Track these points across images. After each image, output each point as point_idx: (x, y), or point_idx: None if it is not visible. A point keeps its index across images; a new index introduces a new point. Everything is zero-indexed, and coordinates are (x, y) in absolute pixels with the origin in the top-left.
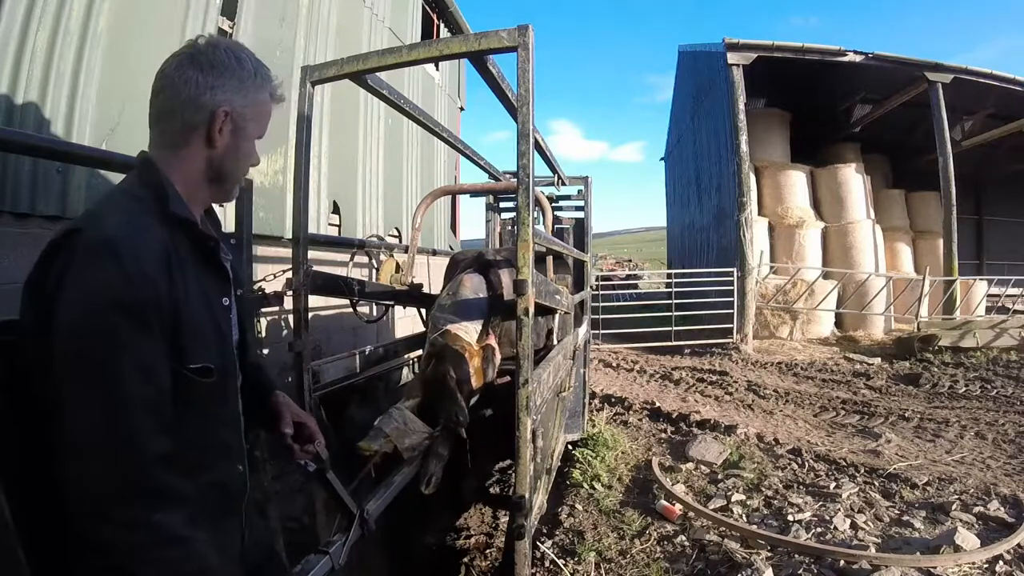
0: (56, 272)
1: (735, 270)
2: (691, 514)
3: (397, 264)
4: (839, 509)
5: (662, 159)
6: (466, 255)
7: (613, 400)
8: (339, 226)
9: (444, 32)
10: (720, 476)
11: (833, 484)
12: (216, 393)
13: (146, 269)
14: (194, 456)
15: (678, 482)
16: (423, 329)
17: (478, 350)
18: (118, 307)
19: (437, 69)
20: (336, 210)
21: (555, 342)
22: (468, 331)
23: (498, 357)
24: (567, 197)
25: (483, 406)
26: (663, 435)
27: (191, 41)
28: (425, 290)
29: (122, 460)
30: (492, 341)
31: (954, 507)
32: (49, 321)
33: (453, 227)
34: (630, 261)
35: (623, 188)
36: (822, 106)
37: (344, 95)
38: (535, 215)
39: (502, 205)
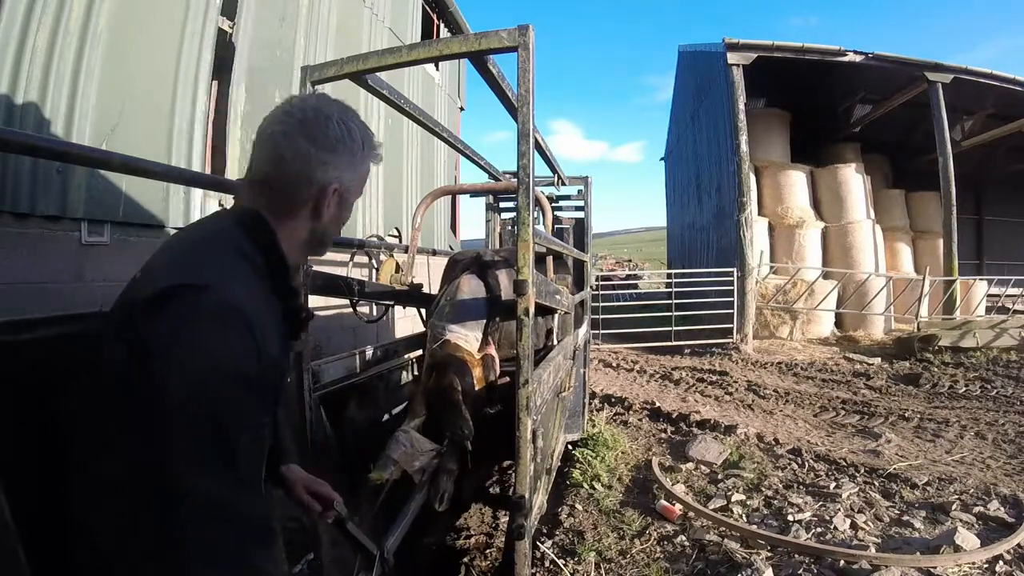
0: (170, 327)
1: (735, 270)
2: (691, 514)
3: (397, 264)
4: (839, 509)
5: (662, 159)
6: (465, 255)
7: (613, 400)
8: None
9: (444, 32)
10: (720, 476)
11: (833, 484)
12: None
13: (270, 348)
14: None
15: (678, 482)
16: (423, 329)
17: (479, 360)
18: (244, 382)
19: (437, 69)
20: None
21: (555, 342)
22: (468, 340)
23: (498, 365)
24: (567, 197)
25: (483, 406)
26: (663, 435)
27: (297, 102)
28: (425, 290)
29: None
30: (491, 350)
31: (954, 507)
32: (152, 377)
33: (453, 227)
34: (630, 261)
35: (623, 188)
36: (822, 106)
37: (344, 95)
38: (535, 215)
39: (502, 205)
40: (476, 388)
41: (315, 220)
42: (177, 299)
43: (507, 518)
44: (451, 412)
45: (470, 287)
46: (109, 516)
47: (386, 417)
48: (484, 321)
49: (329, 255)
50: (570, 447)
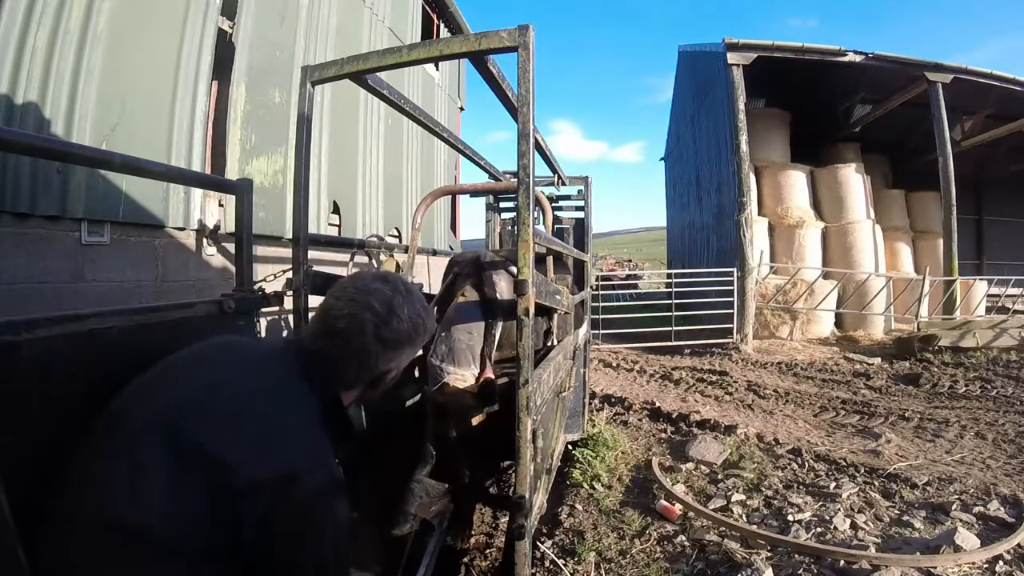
0: (304, 501)
1: (735, 270)
2: (691, 514)
3: (397, 264)
4: (839, 509)
5: (662, 159)
6: (464, 256)
7: (613, 400)
8: (339, 226)
9: (444, 32)
10: (720, 476)
11: (833, 484)
12: None
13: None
14: None
15: (678, 482)
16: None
17: (476, 393)
18: (344, 543)
19: (437, 69)
20: (336, 210)
21: (555, 342)
22: (466, 379)
23: (495, 383)
24: (567, 197)
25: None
26: (663, 435)
27: (372, 300)
28: (425, 290)
29: None
30: (489, 373)
31: (954, 507)
32: (292, 540)
33: (453, 227)
34: (630, 261)
35: (623, 188)
36: (822, 106)
37: (344, 95)
38: (535, 215)
39: (502, 205)
40: (476, 421)
41: (371, 390)
42: (296, 485)
43: (507, 518)
44: (457, 457)
45: (465, 310)
46: None
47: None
48: (480, 350)
49: (329, 255)
50: (570, 447)
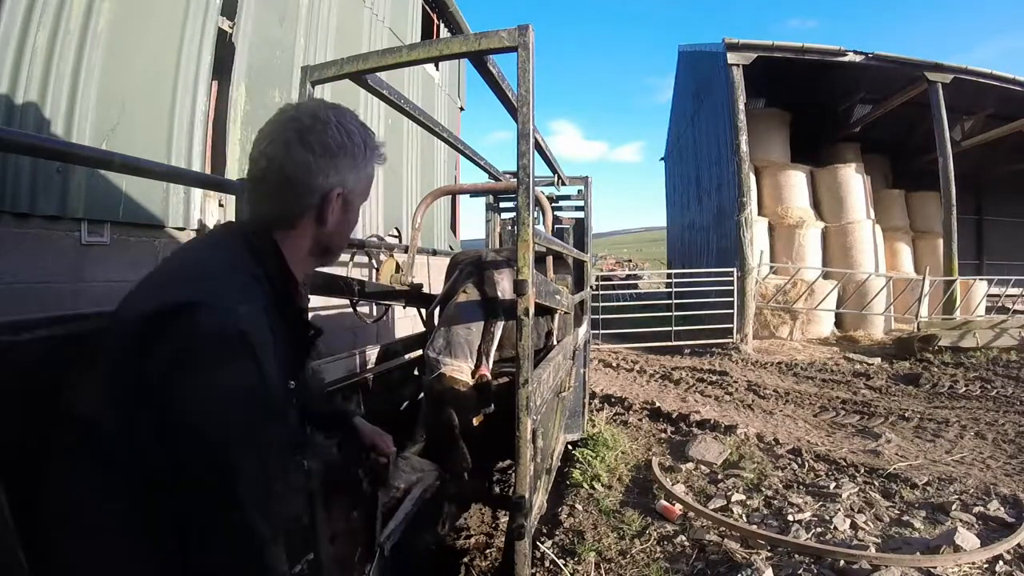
0: (172, 352)
1: (735, 270)
2: (691, 514)
3: (397, 264)
4: (839, 509)
5: (662, 159)
6: (466, 255)
7: (613, 400)
8: None
9: (444, 32)
10: (720, 476)
11: (833, 484)
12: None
13: (274, 371)
14: None
15: (678, 482)
16: (423, 329)
17: (473, 388)
18: (258, 412)
19: (437, 69)
20: None
21: (555, 342)
22: (463, 371)
23: (491, 382)
24: (567, 197)
25: (483, 407)
26: (663, 435)
27: (291, 111)
28: (425, 290)
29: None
30: (485, 370)
31: (954, 507)
32: (161, 408)
33: (453, 227)
34: (630, 261)
35: (623, 188)
36: (822, 106)
37: (344, 95)
38: (535, 215)
39: (502, 205)
40: (473, 418)
41: (320, 227)
42: (177, 320)
43: (507, 518)
44: (450, 447)
45: (465, 307)
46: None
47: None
48: (478, 345)
49: None
50: (570, 447)
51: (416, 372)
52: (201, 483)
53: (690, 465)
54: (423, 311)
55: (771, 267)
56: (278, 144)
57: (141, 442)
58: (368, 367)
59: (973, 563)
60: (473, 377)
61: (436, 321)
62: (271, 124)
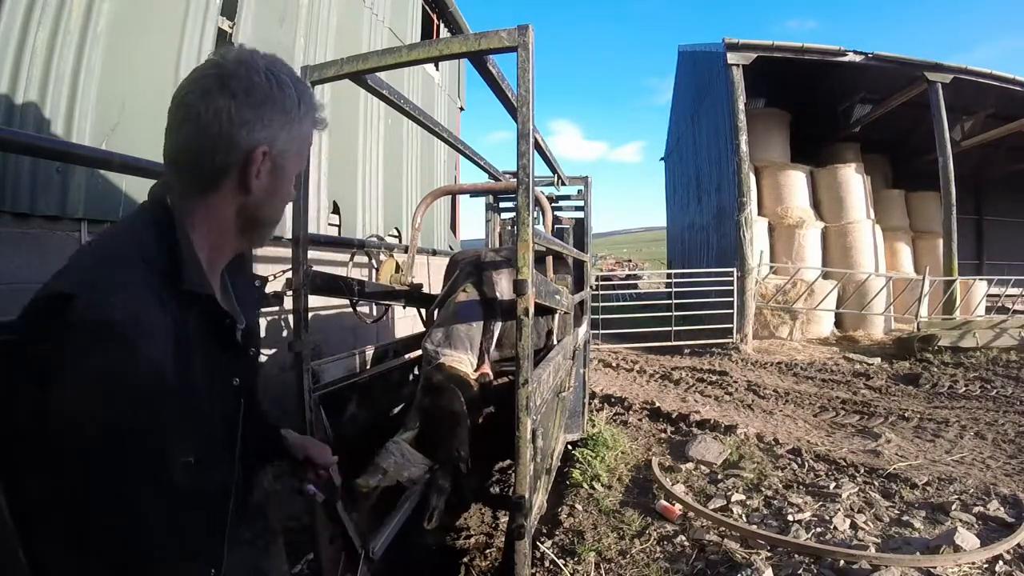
0: (51, 347)
1: (735, 270)
2: (691, 514)
3: (397, 264)
4: (839, 509)
5: (662, 159)
6: (465, 255)
7: (613, 400)
8: (339, 226)
9: (444, 32)
10: (720, 476)
11: (833, 484)
12: (198, 492)
13: (154, 357)
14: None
15: (678, 482)
16: (423, 329)
17: (474, 381)
18: (126, 405)
19: (437, 69)
20: (336, 210)
21: (555, 342)
22: (463, 362)
23: (492, 381)
24: (567, 197)
25: (483, 406)
26: (663, 435)
27: (217, 56)
28: (425, 290)
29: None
30: (487, 368)
31: (954, 507)
32: (45, 402)
33: (453, 227)
34: (630, 261)
35: (623, 188)
36: (822, 106)
37: (344, 95)
38: (535, 215)
39: (502, 205)
40: (471, 410)
41: (243, 193)
42: (49, 311)
43: (507, 518)
44: (446, 434)
45: (465, 304)
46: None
47: (391, 412)
48: (479, 340)
49: (329, 255)
50: (570, 447)
51: (416, 371)
52: (73, 474)
53: (690, 465)
54: (423, 311)
55: (771, 267)
56: (195, 91)
57: (31, 433)
58: (367, 367)
59: (973, 563)
60: (475, 373)
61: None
62: (194, 71)
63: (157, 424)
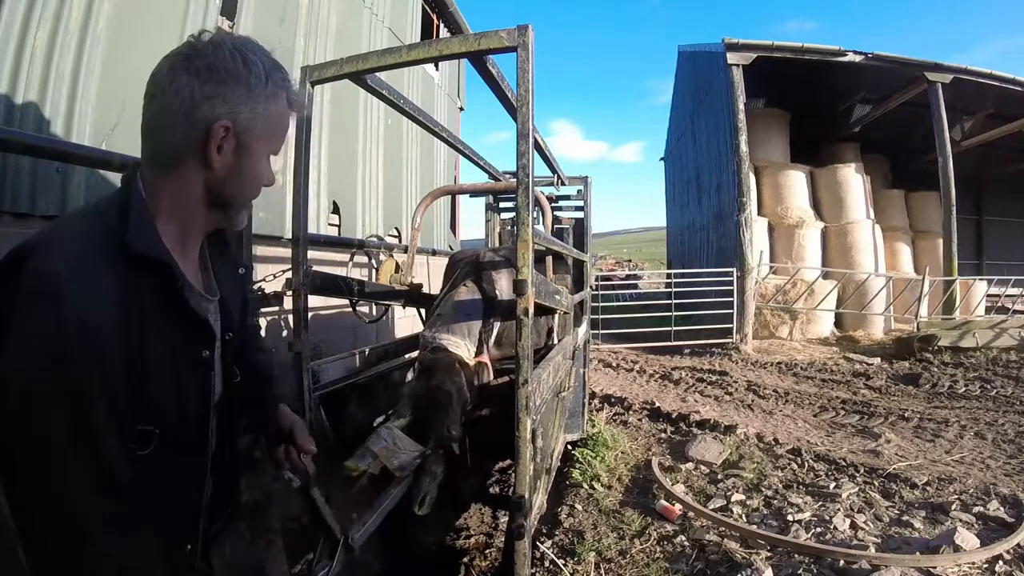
0: (3, 302)
1: (735, 270)
2: (691, 514)
3: (397, 264)
4: (839, 509)
5: (662, 159)
6: (465, 254)
7: (613, 400)
8: (339, 226)
9: (444, 32)
10: (720, 476)
11: (833, 484)
12: (161, 463)
13: (95, 310)
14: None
15: (678, 482)
16: (422, 329)
17: (472, 365)
18: (54, 362)
19: (437, 69)
20: (336, 210)
21: (555, 342)
22: (459, 347)
23: (490, 375)
24: (567, 197)
25: (483, 406)
26: (663, 435)
27: (191, 38)
28: (425, 290)
29: (67, 540)
30: (486, 359)
31: (954, 507)
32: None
33: (453, 227)
34: (630, 261)
35: (623, 188)
36: (822, 106)
37: (344, 95)
38: (535, 215)
39: (502, 205)
40: (467, 392)
41: (207, 170)
42: (4, 264)
43: (507, 518)
44: (438, 413)
45: (464, 298)
46: None
47: (382, 418)
48: (478, 330)
49: (329, 255)
50: (570, 447)
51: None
52: (7, 424)
53: (690, 465)
54: (423, 311)
55: (771, 267)
56: (164, 69)
57: None
58: (367, 367)
59: (973, 563)
60: (473, 359)
61: None
62: (167, 54)
63: (93, 380)
